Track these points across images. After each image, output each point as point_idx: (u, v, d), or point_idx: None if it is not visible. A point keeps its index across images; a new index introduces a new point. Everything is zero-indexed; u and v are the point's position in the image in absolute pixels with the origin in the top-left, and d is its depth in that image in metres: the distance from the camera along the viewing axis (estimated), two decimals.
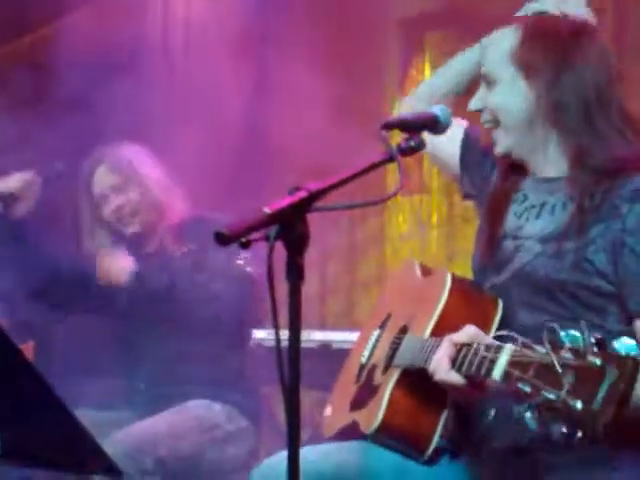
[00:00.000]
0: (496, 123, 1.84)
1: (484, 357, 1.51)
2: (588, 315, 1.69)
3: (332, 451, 1.84)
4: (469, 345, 1.59)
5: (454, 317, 1.73)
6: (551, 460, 1.68)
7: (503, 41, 1.83)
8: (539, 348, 1.35)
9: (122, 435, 2.55)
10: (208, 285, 2.66)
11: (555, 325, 1.33)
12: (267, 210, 1.40)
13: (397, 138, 1.65)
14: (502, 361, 1.44)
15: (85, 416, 2.63)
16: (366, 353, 2.01)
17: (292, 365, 1.37)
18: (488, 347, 1.53)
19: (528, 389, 1.32)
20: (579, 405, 1.25)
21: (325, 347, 3.12)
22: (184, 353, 2.71)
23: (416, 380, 1.73)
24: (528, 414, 1.32)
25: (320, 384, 2.53)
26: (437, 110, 1.69)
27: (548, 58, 1.77)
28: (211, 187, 3.35)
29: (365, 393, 1.89)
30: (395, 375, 1.78)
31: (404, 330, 1.90)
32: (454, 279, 1.80)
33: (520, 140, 1.82)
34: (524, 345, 1.40)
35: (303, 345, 1.40)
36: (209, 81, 3.83)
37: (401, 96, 4.04)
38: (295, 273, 1.41)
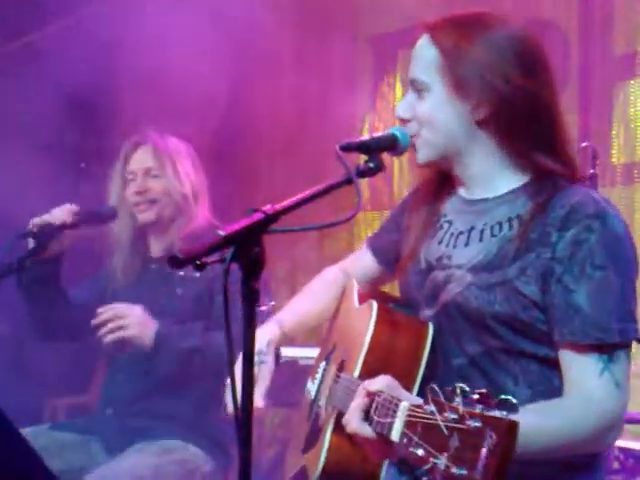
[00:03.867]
0: (422, 132, 1.71)
1: (386, 413, 1.41)
2: (523, 343, 1.64)
3: None
4: (379, 396, 1.47)
5: (383, 351, 1.65)
6: None
7: (427, 49, 1.69)
8: (428, 407, 1.25)
9: (104, 473, 2.45)
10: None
11: (459, 385, 1.23)
12: (222, 232, 1.40)
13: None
14: (399, 420, 1.35)
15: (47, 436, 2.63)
16: (313, 388, 1.94)
17: (245, 389, 1.36)
18: (389, 401, 1.42)
19: (420, 453, 1.23)
20: (462, 472, 1.17)
21: (293, 364, 3.12)
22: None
23: None
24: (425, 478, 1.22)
25: (287, 401, 2.53)
26: (396, 131, 1.69)
27: (474, 70, 1.64)
28: None
29: (313, 434, 1.83)
30: (333, 418, 1.71)
31: (341, 367, 1.81)
32: (379, 309, 1.69)
33: (445, 154, 1.71)
34: (416, 404, 1.30)
35: None
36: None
37: (373, 113, 4.07)
38: (250, 297, 1.40)
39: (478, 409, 1.20)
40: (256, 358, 1.58)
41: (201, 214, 2.77)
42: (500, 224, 1.68)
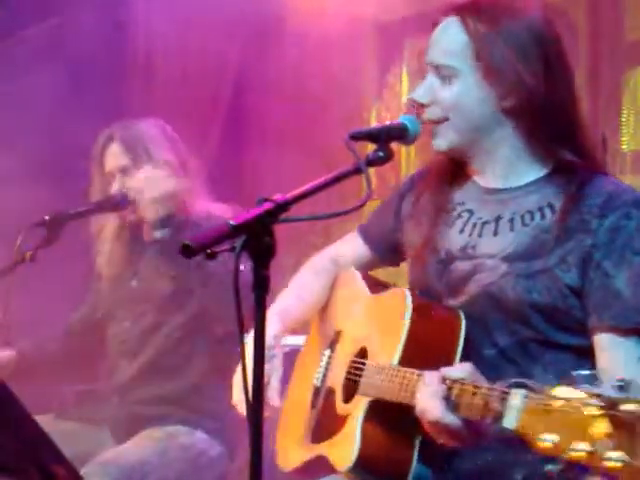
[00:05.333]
0: (444, 119, 1.71)
1: (487, 401, 1.40)
2: (555, 332, 1.66)
3: None
4: (462, 384, 1.48)
5: (420, 340, 1.65)
6: None
7: (456, 34, 1.69)
8: (559, 393, 1.22)
9: (109, 459, 2.46)
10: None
11: (574, 373, 1.23)
12: (232, 222, 1.40)
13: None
14: (514, 407, 1.32)
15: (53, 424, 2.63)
16: (319, 375, 1.92)
17: (256, 376, 1.37)
18: (491, 389, 1.41)
19: (551, 440, 1.19)
20: (620, 458, 1.14)
21: (297, 351, 3.11)
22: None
23: (386, 409, 1.65)
24: (552, 467, 1.21)
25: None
26: (406, 120, 1.69)
27: (507, 58, 1.65)
28: None
29: (328, 423, 1.81)
30: (363, 406, 1.70)
31: (362, 354, 1.80)
32: (414, 298, 1.70)
33: (469, 141, 1.72)
34: (537, 390, 1.29)
35: None
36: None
37: (379, 103, 4.06)
38: (261, 285, 1.40)
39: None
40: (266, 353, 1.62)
41: (192, 200, 2.63)
42: (531, 213, 1.70)
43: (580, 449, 1.17)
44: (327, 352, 1.94)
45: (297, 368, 2.03)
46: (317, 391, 1.91)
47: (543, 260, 1.64)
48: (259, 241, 1.41)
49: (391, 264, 2.01)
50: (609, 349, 1.61)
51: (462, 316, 1.69)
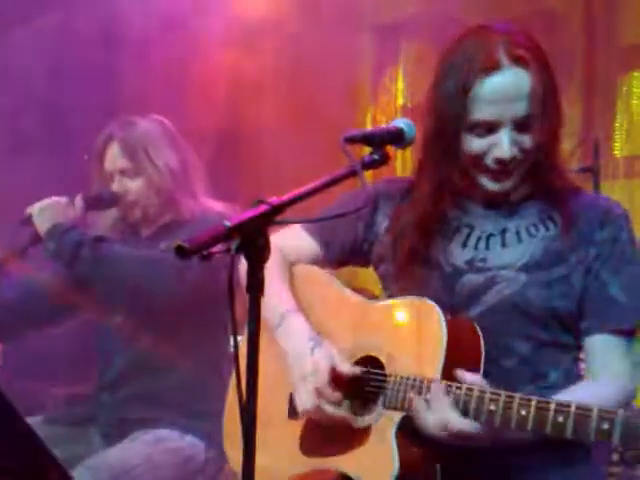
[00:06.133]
0: (521, 163, 1.73)
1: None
2: (564, 335, 1.75)
3: None
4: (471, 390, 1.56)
5: (455, 355, 1.63)
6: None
7: (521, 80, 1.70)
8: None
9: (96, 463, 2.43)
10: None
11: None
12: (228, 223, 1.40)
13: None
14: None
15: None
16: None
17: (250, 378, 1.37)
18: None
19: None
20: None
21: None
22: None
23: (413, 424, 1.62)
24: None
25: None
26: (402, 124, 1.67)
27: (550, 91, 1.73)
28: None
29: (332, 433, 1.71)
30: (395, 419, 1.64)
31: (367, 362, 1.73)
32: (442, 312, 1.65)
33: None
34: None
35: None
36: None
37: (374, 106, 4.06)
38: (255, 287, 1.40)
39: None
40: (311, 343, 1.70)
41: (192, 201, 2.61)
42: (535, 225, 1.78)
43: None
44: None
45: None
46: (293, 399, 1.77)
47: (560, 267, 1.73)
48: (254, 243, 1.41)
49: (331, 267, 1.96)
50: (604, 349, 1.73)
51: (477, 327, 1.69)
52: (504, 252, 1.76)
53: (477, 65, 1.69)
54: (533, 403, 1.51)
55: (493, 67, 1.69)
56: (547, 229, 1.77)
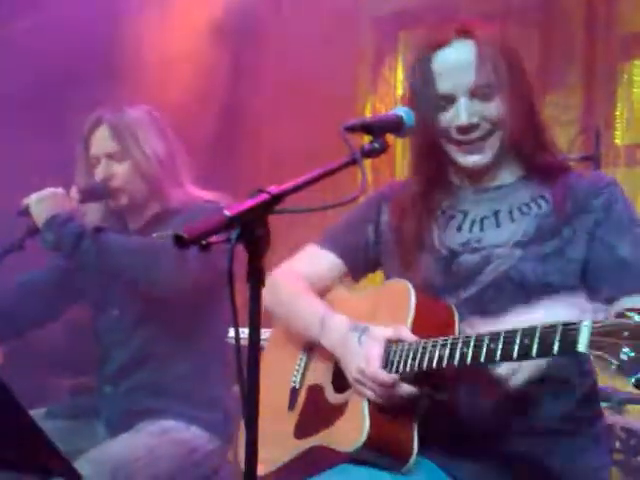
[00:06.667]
0: (490, 134, 1.81)
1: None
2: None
3: None
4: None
5: (424, 323, 1.71)
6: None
7: (468, 51, 1.80)
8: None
9: (98, 455, 2.41)
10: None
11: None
12: (227, 213, 1.39)
13: None
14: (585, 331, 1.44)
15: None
16: (296, 378, 1.92)
17: (251, 369, 1.37)
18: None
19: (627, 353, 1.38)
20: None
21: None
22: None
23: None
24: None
25: None
26: (401, 112, 1.68)
27: (508, 61, 1.82)
28: None
29: (319, 416, 1.81)
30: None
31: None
32: (415, 289, 1.74)
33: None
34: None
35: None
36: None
37: (373, 96, 4.06)
38: (256, 277, 1.39)
39: None
40: (357, 333, 1.74)
41: (180, 189, 2.60)
42: (527, 204, 1.83)
43: None
44: (302, 355, 1.95)
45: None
46: (294, 392, 1.92)
47: (554, 241, 1.76)
48: (254, 232, 1.40)
49: (354, 278, 2.02)
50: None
51: (454, 308, 1.76)
52: (498, 231, 1.81)
53: (432, 44, 1.84)
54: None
55: (443, 42, 1.82)
56: (539, 207, 1.81)
